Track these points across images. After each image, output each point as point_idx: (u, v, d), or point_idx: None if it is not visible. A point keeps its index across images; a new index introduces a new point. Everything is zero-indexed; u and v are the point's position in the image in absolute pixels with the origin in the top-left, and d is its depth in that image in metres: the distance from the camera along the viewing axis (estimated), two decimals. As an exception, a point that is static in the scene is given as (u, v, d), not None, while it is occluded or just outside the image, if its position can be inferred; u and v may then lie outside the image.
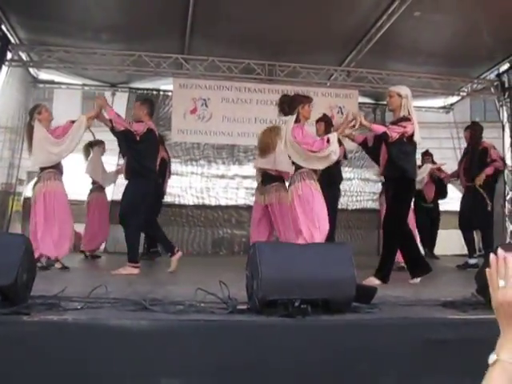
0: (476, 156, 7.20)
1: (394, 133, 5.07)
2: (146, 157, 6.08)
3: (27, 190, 10.14)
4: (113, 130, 5.95)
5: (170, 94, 9.88)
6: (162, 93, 10.31)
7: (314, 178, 5.52)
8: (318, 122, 6.83)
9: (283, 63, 9.29)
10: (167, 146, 9.86)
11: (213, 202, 10.41)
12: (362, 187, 10.86)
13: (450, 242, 9.74)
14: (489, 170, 7.11)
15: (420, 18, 7.41)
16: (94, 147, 8.10)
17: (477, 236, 7.91)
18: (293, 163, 5.64)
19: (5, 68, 8.60)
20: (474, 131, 7.30)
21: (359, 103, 9.92)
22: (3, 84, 8.55)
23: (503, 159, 7.49)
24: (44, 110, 6.34)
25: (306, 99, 5.68)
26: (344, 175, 8.03)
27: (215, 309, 3.08)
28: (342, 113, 8.89)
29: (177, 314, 2.99)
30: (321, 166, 5.56)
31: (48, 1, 7.24)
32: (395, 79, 9.45)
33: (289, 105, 5.61)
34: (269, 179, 7.04)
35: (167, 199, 9.80)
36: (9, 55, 8.65)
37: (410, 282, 5.21)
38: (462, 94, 10.63)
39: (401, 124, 5.13)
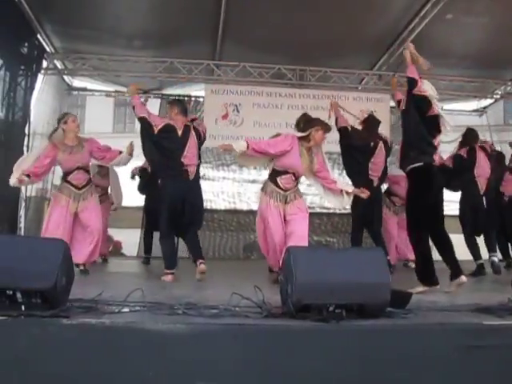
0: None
1: None
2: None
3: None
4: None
5: (201, 99, 9.96)
6: (193, 99, 10.38)
7: None
8: None
9: (314, 68, 9.30)
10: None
11: (244, 207, 10.41)
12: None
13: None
14: None
15: (452, 20, 7.36)
16: None
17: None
18: None
19: (41, 76, 8.81)
20: None
21: (391, 107, 9.83)
22: (39, 92, 8.74)
23: None
24: (71, 120, 6.05)
25: (325, 127, 5.45)
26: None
27: (250, 313, 3.10)
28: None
29: (212, 317, 3.01)
30: None
31: (82, 10, 7.37)
32: (427, 82, 9.37)
33: (304, 123, 5.50)
34: None
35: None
36: (44, 63, 8.86)
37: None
38: (495, 96, 10.48)
39: None
